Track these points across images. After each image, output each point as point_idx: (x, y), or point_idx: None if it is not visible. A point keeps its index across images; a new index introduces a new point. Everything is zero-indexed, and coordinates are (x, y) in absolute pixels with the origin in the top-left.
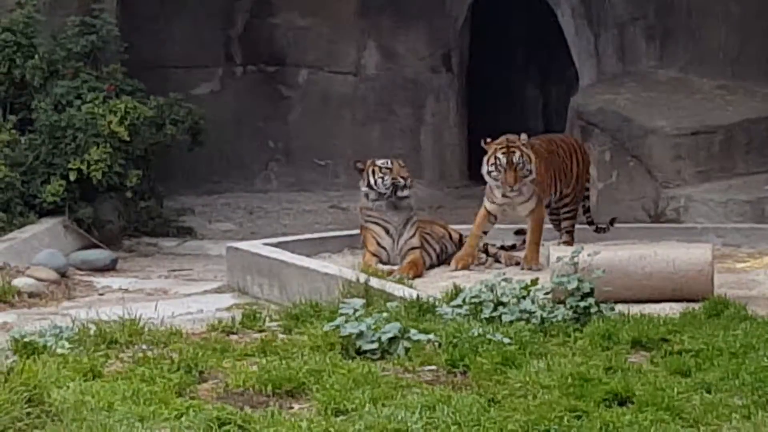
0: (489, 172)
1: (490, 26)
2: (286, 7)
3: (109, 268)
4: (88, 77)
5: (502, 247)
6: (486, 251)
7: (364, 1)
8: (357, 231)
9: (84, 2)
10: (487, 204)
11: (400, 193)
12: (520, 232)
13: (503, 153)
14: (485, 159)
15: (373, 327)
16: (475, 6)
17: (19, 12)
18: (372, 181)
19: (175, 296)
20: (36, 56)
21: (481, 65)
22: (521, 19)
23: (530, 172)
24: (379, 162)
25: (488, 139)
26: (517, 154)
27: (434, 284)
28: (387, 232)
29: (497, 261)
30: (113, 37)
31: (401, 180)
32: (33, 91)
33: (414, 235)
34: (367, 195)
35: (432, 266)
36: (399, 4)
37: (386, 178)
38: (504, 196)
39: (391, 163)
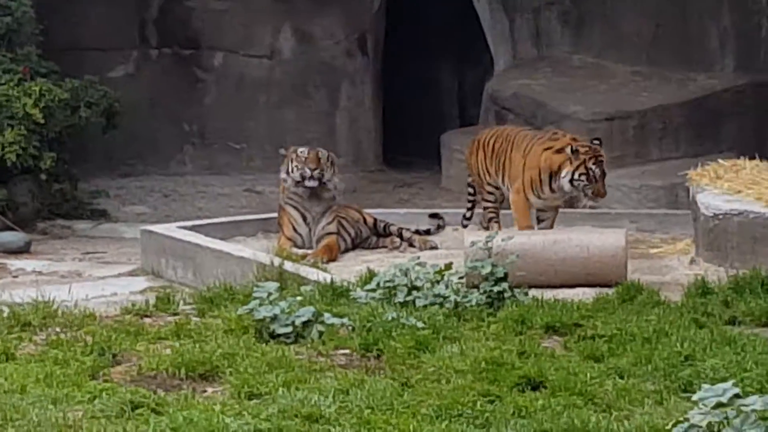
0: (575, 180)
1: (406, 10)
2: None
3: (22, 251)
4: (2, 59)
5: (417, 232)
6: (400, 235)
7: None
8: (272, 215)
9: None
10: (531, 197)
11: (307, 183)
12: (434, 216)
13: (595, 164)
14: (573, 168)
15: (287, 311)
16: None
17: None
18: (289, 169)
19: (89, 279)
20: None
21: (397, 49)
22: (437, 3)
23: None
24: (299, 150)
25: (573, 146)
26: (604, 164)
27: (348, 268)
28: (304, 219)
29: (411, 245)
30: (28, 19)
31: (307, 171)
32: None
33: (331, 221)
34: (285, 181)
35: (347, 250)
36: None
37: (299, 167)
38: (552, 191)
39: (308, 152)
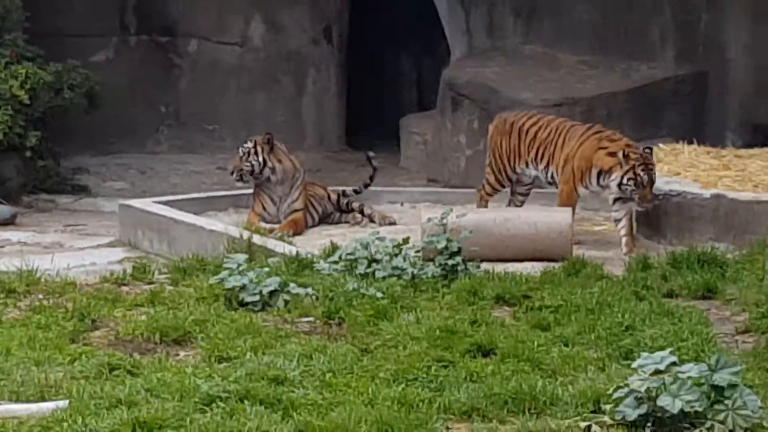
0: (623, 185)
1: (369, 2)
2: None
3: (8, 223)
4: None
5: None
6: (362, 212)
7: None
8: (241, 192)
9: None
10: (582, 190)
11: (236, 184)
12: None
13: (644, 171)
14: (622, 173)
15: (255, 281)
16: None
17: None
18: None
19: (71, 249)
20: None
21: (360, 39)
22: None
23: None
24: (245, 144)
25: (625, 152)
26: (654, 172)
27: (313, 242)
28: (271, 199)
29: (372, 221)
30: (15, 7)
31: (230, 173)
32: None
33: (297, 198)
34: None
35: (313, 225)
36: None
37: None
38: (600, 187)
39: (235, 152)
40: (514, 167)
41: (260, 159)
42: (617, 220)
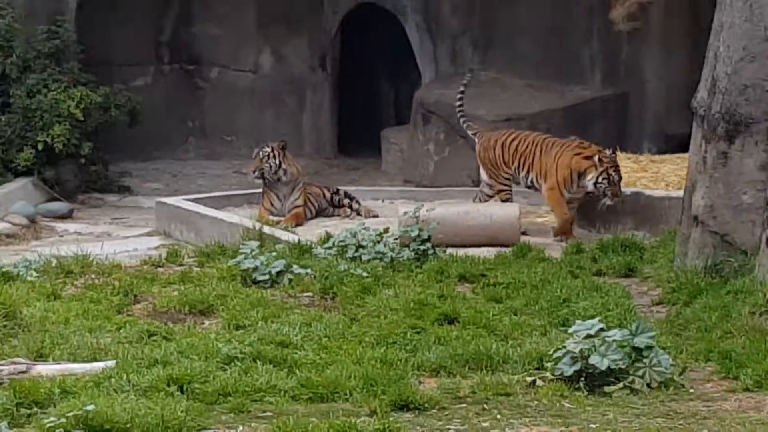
0: (598, 183)
1: (356, 36)
2: (202, 19)
3: (67, 217)
4: (52, 72)
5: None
6: (350, 207)
7: (261, 17)
8: (254, 191)
9: (50, 14)
10: (566, 193)
11: (256, 181)
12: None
13: (614, 171)
14: (597, 173)
15: (265, 263)
16: (346, 21)
17: (0, 21)
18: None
19: (117, 238)
20: (14, 55)
21: (349, 66)
22: (380, 32)
23: None
24: (256, 151)
25: (598, 156)
26: (620, 171)
27: (311, 231)
28: (277, 197)
29: (359, 214)
30: (72, 42)
31: (252, 172)
32: (11, 82)
33: (298, 197)
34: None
35: (312, 218)
36: (287, 18)
37: (270, 162)
38: (578, 188)
39: (254, 156)
40: (507, 167)
41: (277, 162)
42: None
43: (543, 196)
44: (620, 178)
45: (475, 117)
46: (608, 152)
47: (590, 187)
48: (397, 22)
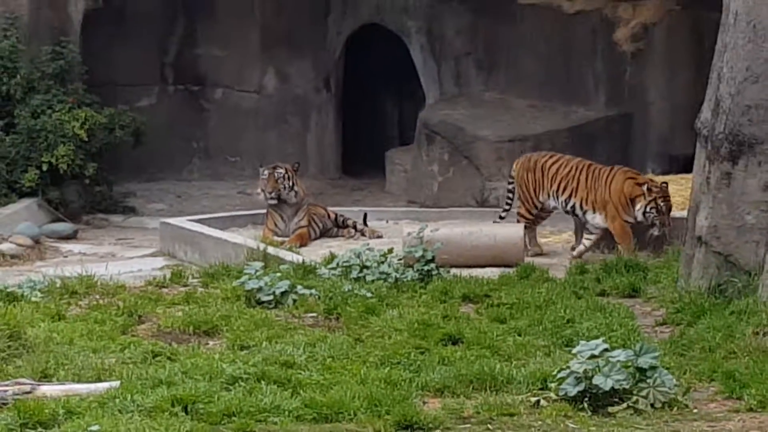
0: (647, 213)
1: (361, 57)
2: (206, 41)
3: (71, 237)
4: (57, 92)
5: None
6: (354, 227)
7: (265, 38)
8: (258, 211)
9: (55, 36)
10: (628, 218)
11: (269, 201)
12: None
13: (663, 201)
14: (646, 202)
15: (269, 283)
16: (350, 42)
17: (5, 42)
18: (259, 188)
19: (121, 259)
20: (18, 76)
21: (353, 87)
22: (385, 52)
23: None
24: (264, 172)
25: (648, 185)
26: (670, 201)
27: (316, 252)
28: (282, 218)
29: (363, 235)
30: (76, 63)
31: (267, 193)
32: (15, 102)
33: (303, 218)
34: (258, 195)
35: (316, 239)
36: (291, 40)
37: (262, 187)
38: (646, 215)
39: (268, 176)
40: (538, 197)
41: (291, 183)
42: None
43: (589, 225)
44: (670, 208)
45: (478, 138)
46: (659, 182)
47: (639, 216)
48: (401, 43)
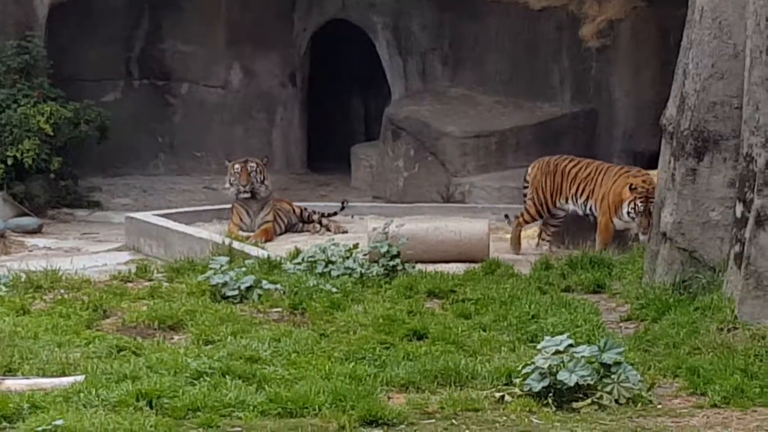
0: (629, 213)
1: (327, 53)
2: (172, 36)
3: (36, 231)
4: (21, 87)
5: (327, 215)
6: (320, 222)
7: (231, 33)
8: (224, 206)
9: (20, 30)
10: (617, 222)
11: (241, 196)
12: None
13: (642, 202)
14: (628, 202)
15: (234, 278)
16: (315, 38)
17: None
18: (227, 181)
19: (86, 253)
20: None
21: (319, 82)
22: (350, 48)
23: None
24: (235, 166)
25: (632, 184)
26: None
27: (281, 247)
28: (247, 213)
29: (328, 230)
30: (42, 57)
31: (240, 186)
32: None
33: (268, 213)
34: (227, 189)
35: (281, 234)
36: (257, 36)
37: (233, 181)
38: (629, 214)
39: (241, 168)
40: (555, 202)
41: (262, 177)
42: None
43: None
44: (649, 211)
45: (443, 133)
46: (649, 183)
47: (625, 218)
48: (367, 39)
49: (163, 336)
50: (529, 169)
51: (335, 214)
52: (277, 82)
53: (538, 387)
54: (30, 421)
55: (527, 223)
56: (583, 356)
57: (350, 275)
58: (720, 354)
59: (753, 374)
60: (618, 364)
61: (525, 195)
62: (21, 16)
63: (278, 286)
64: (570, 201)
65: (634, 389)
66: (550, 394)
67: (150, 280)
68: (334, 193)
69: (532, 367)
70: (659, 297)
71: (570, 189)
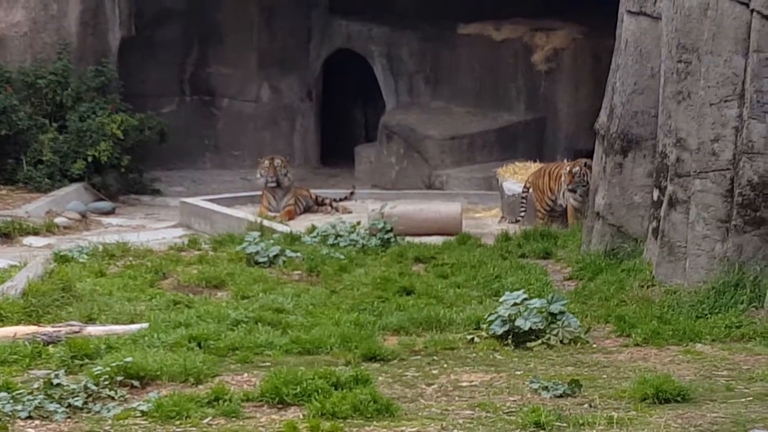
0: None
1: (335, 74)
2: (215, 61)
3: (110, 213)
4: (99, 101)
5: (341, 199)
6: (331, 205)
7: (261, 59)
8: (256, 193)
9: (97, 58)
10: (574, 202)
11: (269, 185)
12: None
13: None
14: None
15: (264, 248)
16: (327, 63)
17: (59, 63)
18: (259, 173)
19: (149, 229)
20: (69, 88)
21: (329, 97)
22: (355, 70)
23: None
24: (264, 162)
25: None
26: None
27: (300, 224)
28: (274, 198)
29: (337, 211)
30: (114, 78)
31: (267, 178)
32: (67, 109)
33: (290, 198)
34: (258, 179)
35: (300, 214)
36: (282, 61)
37: (263, 173)
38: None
39: (269, 163)
40: (549, 197)
41: (285, 170)
42: None
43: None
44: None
45: (426, 136)
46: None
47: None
48: (366, 64)
49: (209, 293)
50: (528, 177)
51: (345, 198)
52: (297, 97)
53: (500, 331)
54: (106, 358)
55: (543, 218)
56: (535, 307)
57: (354, 246)
58: (641, 305)
59: (667, 320)
60: (562, 313)
61: (523, 199)
62: (98, 47)
63: (298, 254)
64: (557, 196)
65: (574, 332)
66: (510, 337)
67: (199, 250)
68: (341, 182)
69: (496, 315)
70: (594, 262)
71: (554, 186)
